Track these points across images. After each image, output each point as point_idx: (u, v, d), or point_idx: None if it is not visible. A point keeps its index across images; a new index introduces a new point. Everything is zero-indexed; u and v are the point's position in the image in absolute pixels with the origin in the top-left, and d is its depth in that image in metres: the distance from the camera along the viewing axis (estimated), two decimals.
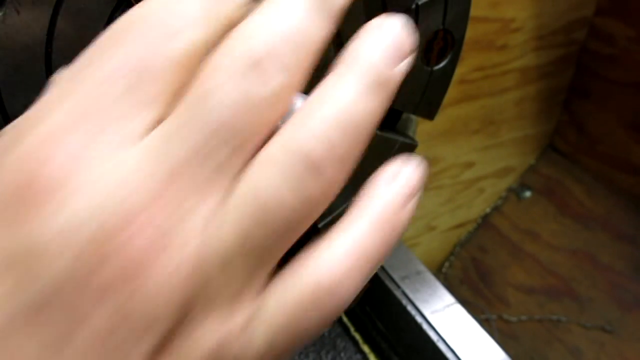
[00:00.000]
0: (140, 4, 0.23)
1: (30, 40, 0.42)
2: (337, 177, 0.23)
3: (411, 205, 0.28)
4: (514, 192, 1.55)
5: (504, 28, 1.20)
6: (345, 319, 0.86)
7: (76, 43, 0.43)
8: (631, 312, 1.28)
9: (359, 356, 0.81)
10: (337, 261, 0.23)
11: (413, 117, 0.86)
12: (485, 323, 1.40)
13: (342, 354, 0.81)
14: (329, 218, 0.65)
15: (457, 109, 1.26)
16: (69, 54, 0.43)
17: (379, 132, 0.63)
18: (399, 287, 0.78)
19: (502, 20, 1.18)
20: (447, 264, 1.56)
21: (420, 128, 0.67)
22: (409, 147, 0.67)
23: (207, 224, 0.19)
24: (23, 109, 0.43)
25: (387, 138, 0.64)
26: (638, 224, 1.36)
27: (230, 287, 0.20)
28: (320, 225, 0.64)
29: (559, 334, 1.33)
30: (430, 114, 0.64)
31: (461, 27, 0.58)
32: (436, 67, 0.59)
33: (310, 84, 0.46)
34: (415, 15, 0.54)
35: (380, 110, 0.24)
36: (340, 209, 0.64)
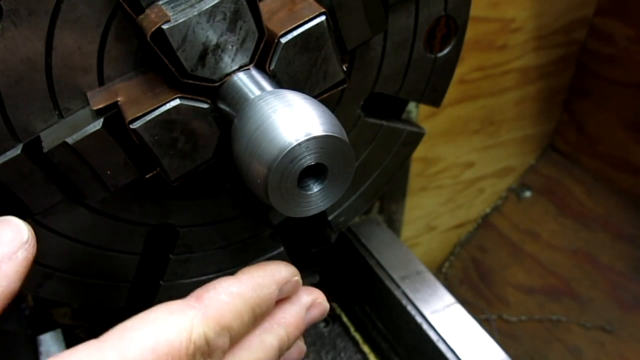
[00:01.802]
0: None
1: (30, 52, 0.42)
2: None
3: None
4: (514, 192, 1.55)
5: (504, 28, 1.20)
6: (345, 319, 0.86)
7: (75, 53, 0.44)
8: (631, 312, 1.28)
9: (359, 356, 0.81)
10: None
11: (413, 115, 0.86)
12: (485, 323, 1.40)
13: (342, 354, 0.81)
14: (339, 210, 0.65)
15: (457, 109, 1.26)
16: (69, 64, 0.43)
17: (385, 123, 0.62)
18: (399, 287, 0.78)
19: (502, 20, 1.18)
20: (447, 264, 1.56)
21: None
22: (416, 136, 0.66)
23: None
24: (27, 118, 0.43)
25: (393, 128, 0.64)
26: (638, 224, 1.36)
27: None
28: (330, 218, 0.65)
29: (559, 334, 1.33)
30: (436, 102, 0.63)
31: (463, 12, 0.57)
32: (440, 54, 0.58)
33: (309, 80, 0.46)
34: (416, 2, 0.53)
35: None
36: (350, 200, 0.64)
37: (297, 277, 0.43)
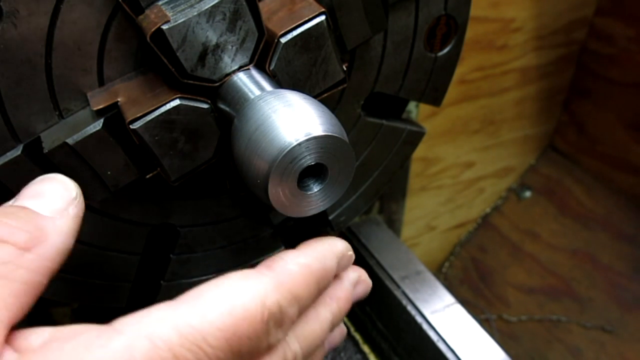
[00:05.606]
0: None
1: (30, 52, 0.42)
2: None
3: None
4: (514, 192, 1.55)
5: (504, 28, 1.20)
6: (345, 319, 0.86)
7: (75, 53, 0.44)
8: (631, 312, 1.28)
9: (359, 356, 0.81)
10: None
11: (413, 115, 0.86)
12: (485, 323, 1.40)
13: (342, 354, 0.81)
14: (340, 209, 0.65)
15: (457, 109, 1.26)
16: (69, 64, 0.43)
17: (385, 122, 0.62)
18: (399, 287, 0.78)
19: (502, 20, 1.18)
20: (447, 264, 1.56)
21: None
22: (416, 135, 0.66)
23: None
24: (27, 119, 0.43)
25: (394, 127, 0.64)
26: (638, 224, 1.36)
27: None
28: (331, 218, 0.65)
29: (559, 334, 1.33)
30: (436, 101, 0.63)
31: (464, 11, 0.57)
32: (440, 53, 0.58)
33: (309, 80, 0.46)
34: (416, 2, 0.53)
35: None
36: (350, 200, 0.64)
37: (351, 252, 0.42)
